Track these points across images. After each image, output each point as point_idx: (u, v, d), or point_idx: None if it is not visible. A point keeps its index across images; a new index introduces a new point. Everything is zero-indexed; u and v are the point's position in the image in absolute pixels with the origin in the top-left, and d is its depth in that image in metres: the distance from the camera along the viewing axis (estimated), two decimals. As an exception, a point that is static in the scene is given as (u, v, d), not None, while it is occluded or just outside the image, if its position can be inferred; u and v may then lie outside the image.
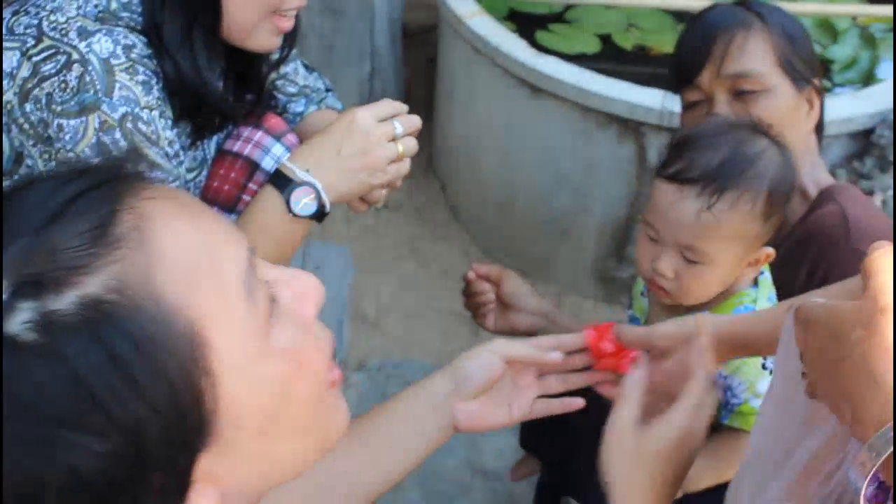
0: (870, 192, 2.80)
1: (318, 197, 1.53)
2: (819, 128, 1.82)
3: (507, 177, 3.20)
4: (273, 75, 1.88)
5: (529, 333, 2.04)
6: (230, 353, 0.74)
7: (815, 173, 1.78)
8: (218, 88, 1.60)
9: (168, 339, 0.69)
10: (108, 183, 0.73)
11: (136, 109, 1.43)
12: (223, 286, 0.75)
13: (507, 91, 3.03)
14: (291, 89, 1.95)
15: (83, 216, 0.69)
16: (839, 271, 1.56)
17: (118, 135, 1.42)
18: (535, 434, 2.05)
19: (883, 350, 0.77)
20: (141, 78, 1.45)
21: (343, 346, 2.89)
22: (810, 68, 1.74)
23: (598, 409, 1.69)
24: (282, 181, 1.54)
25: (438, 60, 3.52)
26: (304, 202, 1.52)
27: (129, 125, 1.42)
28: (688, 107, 1.78)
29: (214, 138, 1.79)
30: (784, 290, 1.62)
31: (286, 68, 1.94)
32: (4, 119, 1.44)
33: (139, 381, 0.67)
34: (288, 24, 1.59)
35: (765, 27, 1.71)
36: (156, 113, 1.46)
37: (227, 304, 0.75)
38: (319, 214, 1.56)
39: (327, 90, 2.03)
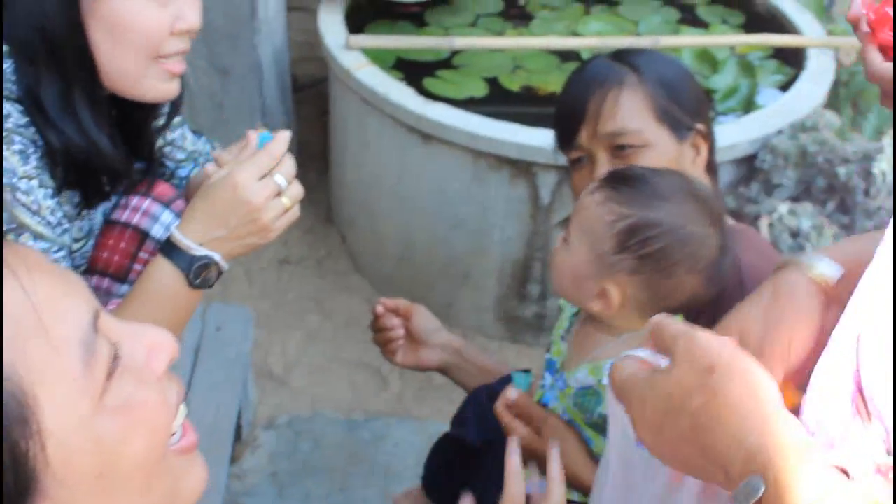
0: (757, 216, 2.87)
1: (218, 268, 1.54)
2: (712, 169, 1.80)
3: (404, 224, 3.21)
4: (160, 142, 1.87)
5: (439, 369, 2.03)
6: (61, 412, 0.74)
7: None
8: (109, 148, 1.57)
9: None
10: None
11: (14, 180, 1.41)
12: (57, 346, 0.75)
13: (399, 139, 3.05)
14: (180, 155, 1.94)
15: None
16: None
17: None
18: (441, 479, 2.03)
19: (730, 408, 0.78)
20: (17, 147, 1.43)
21: (250, 405, 2.86)
22: (693, 114, 1.73)
23: (501, 440, 1.72)
24: (175, 253, 1.52)
25: (330, 113, 3.53)
26: (203, 276, 1.52)
27: (7, 196, 1.40)
28: (573, 163, 1.77)
29: (101, 208, 1.77)
30: None
31: (173, 135, 1.93)
32: None
33: None
34: (178, 67, 1.60)
35: (640, 81, 1.70)
36: (35, 182, 1.44)
37: (60, 364, 0.75)
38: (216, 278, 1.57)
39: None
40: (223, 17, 3.31)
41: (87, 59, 1.52)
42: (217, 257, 1.52)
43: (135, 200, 1.82)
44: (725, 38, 3.58)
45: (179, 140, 1.94)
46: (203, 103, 3.48)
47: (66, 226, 1.54)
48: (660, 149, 1.68)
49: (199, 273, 1.52)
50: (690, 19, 3.77)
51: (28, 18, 1.47)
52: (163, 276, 1.52)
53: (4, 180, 1.41)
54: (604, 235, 1.51)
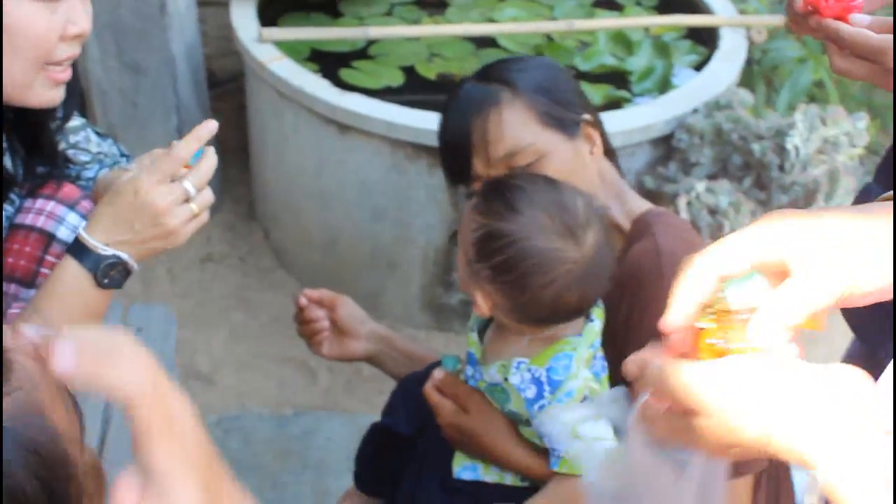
0: (675, 195, 2.90)
1: (126, 267, 1.51)
2: (610, 152, 1.78)
3: (326, 217, 3.19)
4: (63, 145, 1.83)
5: (367, 359, 2.02)
6: None
7: (625, 204, 1.73)
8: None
9: None
10: None
11: None
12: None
13: (316, 131, 3.03)
14: (84, 157, 1.90)
15: None
16: (655, 309, 1.53)
17: None
18: (374, 470, 2.02)
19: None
20: None
21: (177, 406, 2.82)
22: (576, 108, 1.71)
23: (433, 426, 1.72)
24: (82, 253, 1.50)
25: (248, 107, 3.50)
26: (111, 275, 1.50)
27: None
28: (473, 195, 1.70)
29: (3, 213, 1.73)
30: (612, 331, 1.61)
31: (76, 137, 1.89)
32: None
33: None
34: (63, 75, 1.55)
35: (514, 94, 1.66)
36: None
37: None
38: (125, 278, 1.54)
39: (123, 156, 1.98)
40: (132, 14, 3.26)
41: None
42: (125, 257, 1.50)
43: (39, 203, 1.78)
44: (639, 20, 3.61)
45: (83, 142, 1.90)
46: (116, 101, 3.42)
47: None
48: (556, 154, 1.65)
49: (106, 272, 1.49)
50: (605, 2, 3.79)
51: None
52: (70, 276, 1.50)
53: None
54: (468, 243, 1.53)
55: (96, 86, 3.36)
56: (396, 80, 3.29)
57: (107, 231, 1.50)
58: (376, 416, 2.75)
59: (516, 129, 1.65)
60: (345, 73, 3.26)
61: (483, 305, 1.54)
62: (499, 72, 1.72)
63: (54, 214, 1.77)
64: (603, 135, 1.76)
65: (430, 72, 3.34)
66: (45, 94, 1.56)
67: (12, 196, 1.77)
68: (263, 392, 3.03)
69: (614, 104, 3.20)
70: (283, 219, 3.41)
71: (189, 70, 3.47)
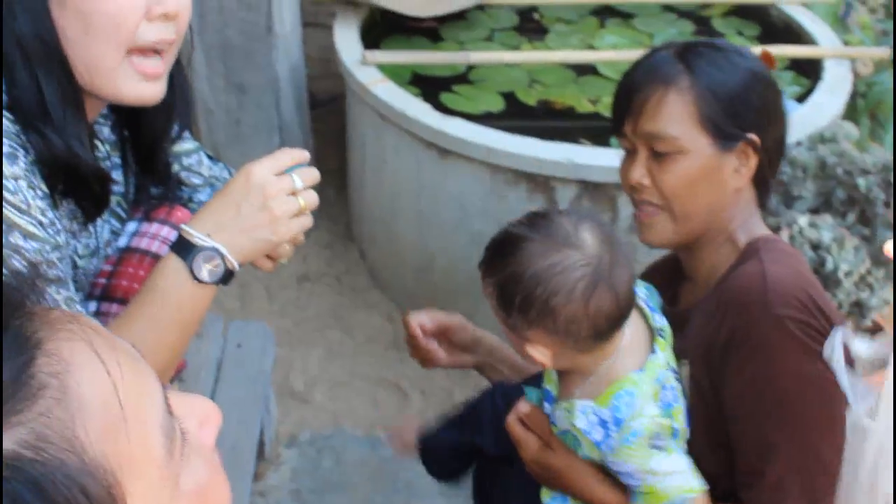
0: (777, 228, 2.86)
1: (223, 261, 1.48)
2: (763, 181, 1.72)
3: (423, 240, 3.21)
4: (176, 167, 1.86)
5: (473, 367, 2.05)
6: (145, 501, 0.70)
7: (748, 224, 1.71)
8: (83, 150, 1.51)
9: (86, 493, 0.65)
10: (17, 320, 0.69)
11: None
12: (144, 434, 0.71)
13: (417, 155, 3.06)
14: (196, 180, 1.92)
15: None
16: (757, 336, 1.55)
17: None
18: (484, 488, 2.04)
19: None
20: (5, 150, 1.39)
21: (272, 422, 2.86)
22: (745, 123, 1.66)
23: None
24: (184, 248, 1.48)
25: (347, 129, 3.54)
26: (207, 268, 1.47)
27: None
28: (626, 153, 1.74)
29: (107, 226, 1.75)
30: (707, 348, 1.61)
31: (189, 160, 1.91)
32: None
33: None
34: (153, 69, 1.50)
35: (691, 84, 1.64)
36: (23, 182, 1.40)
37: (146, 452, 0.71)
38: (226, 276, 1.51)
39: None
40: (239, 34, 3.33)
41: (56, 54, 1.45)
42: (223, 249, 1.47)
43: (153, 227, 1.80)
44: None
45: (196, 165, 1.93)
46: (220, 120, 3.50)
47: (60, 227, 1.49)
48: (694, 158, 1.64)
49: (201, 264, 1.47)
50: (706, 31, 3.77)
51: (3, 20, 1.42)
52: (169, 269, 1.49)
53: None
54: (497, 309, 1.55)
55: (202, 104, 3.44)
56: (497, 105, 3.30)
57: (210, 219, 1.49)
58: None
59: (671, 117, 1.64)
60: (445, 98, 3.29)
61: (541, 357, 1.54)
62: (695, 56, 1.69)
63: (168, 240, 1.78)
64: (768, 164, 1.69)
65: (530, 98, 3.35)
66: (138, 87, 1.50)
67: (120, 212, 1.80)
68: (357, 412, 3.06)
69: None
70: (379, 240, 3.44)
71: (292, 90, 3.54)
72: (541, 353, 1.53)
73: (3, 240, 1.38)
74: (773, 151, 1.71)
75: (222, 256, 1.48)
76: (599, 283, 1.48)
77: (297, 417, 3.01)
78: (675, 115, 1.64)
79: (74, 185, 1.53)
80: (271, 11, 3.29)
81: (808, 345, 1.53)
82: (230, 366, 2.67)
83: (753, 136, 1.66)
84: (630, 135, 1.69)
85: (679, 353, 1.66)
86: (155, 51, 1.49)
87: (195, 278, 1.48)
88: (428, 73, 3.44)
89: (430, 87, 3.35)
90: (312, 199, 1.54)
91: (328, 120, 4.06)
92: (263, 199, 1.48)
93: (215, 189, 1.94)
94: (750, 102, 1.67)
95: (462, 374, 3.15)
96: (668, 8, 3.89)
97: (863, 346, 1.52)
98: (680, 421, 1.60)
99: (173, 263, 1.48)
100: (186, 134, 1.90)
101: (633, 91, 1.69)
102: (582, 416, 1.55)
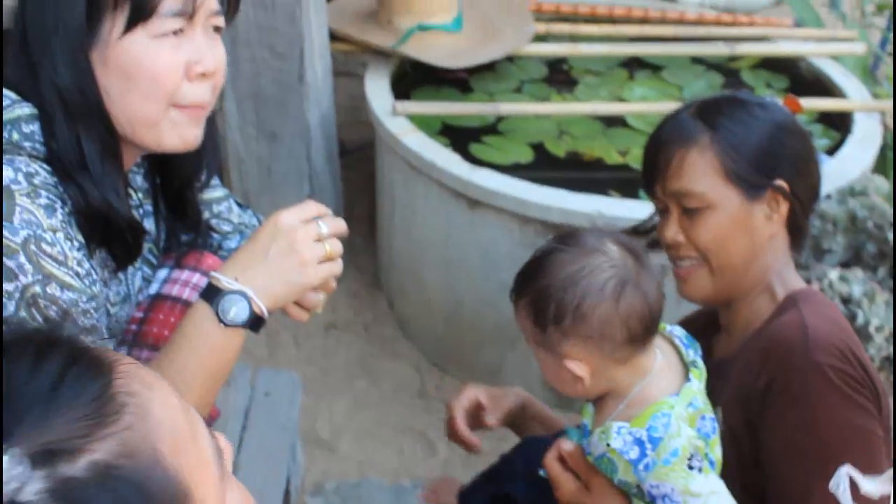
0: (807, 281, 2.85)
1: (250, 304, 1.49)
2: (796, 227, 1.74)
3: (451, 289, 3.22)
4: (207, 214, 1.88)
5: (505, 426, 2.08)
6: None
7: (784, 275, 1.73)
8: (118, 203, 1.53)
9: (174, 500, 0.72)
10: (83, 353, 0.74)
11: (39, 231, 1.40)
12: (203, 454, 0.77)
13: (446, 204, 3.07)
14: (226, 227, 1.94)
15: (81, 387, 0.70)
16: (798, 383, 1.56)
17: (22, 259, 1.38)
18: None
19: None
20: (43, 202, 1.42)
21: (298, 470, 2.85)
22: (770, 172, 1.68)
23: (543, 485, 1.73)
24: (211, 293, 1.50)
25: (377, 178, 3.56)
26: (233, 311, 1.48)
27: (32, 247, 1.39)
28: (660, 213, 1.78)
29: (138, 273, 1.77)
30: (745, 395, 1.63)
31: (220, 207, 1.94)
32: None
33: None
34: (192, 114, 1.54)
35: (711, 141, 1.68)
36: (60, 235, 1.42)
37: (206, 470, 0.77)
38: (255, 322, 1.52)
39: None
40: (272, 83, 3.37)
41: (97, 109, 1.48)
42: (250, 292, 1.49)
43: (184, 274, 1.81)
44: (770, 102, 3.58)
45: (226, 212, 1.95)
46: (252, 168, 3.53)
47: (96, 277, 1.52)
48: (724, 211, 1.67)
49: (227, 308, 1.48)
50: (735, 84, 3.78)
51: (42, 70, 1.45)
52: (196, 315, 1.50)
53: (28, 232, 1.39)
54: (532, 332, 1.58)
55: (234, 153, 3.47)
56: (526, 156, 3.32)
57: (239, 264, 1.51)
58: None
59: (696, 174, 1.68)
60: (475, 148, 3.31)
61: (580, 371, 1.55)
62: (715, 112, 1.72)
63: (199, 287, 1.80)
64: (799, 208, 1.71)
65: (559, 149, 3.37)
66: (181, 132, 1.54)
67: (152, 259, 1.82)
68: (383, 461, 3.05)
69: (745, 187, 3.17)
70: (407, 289, 3.45)
71: (323, 139, 3.57)
72: (579, 368, 1.55)
73: (42, 290, 1.40)
74: (804, 195, 1.72)
75: (249, 299, 1.49)
76: (627, 284, 1.51)
77: (323, 466, 3.01)
78: (700, 172, 1.68)
79: (109, 236, 1.55)
80: (303, 61, 3.33)
81: (847, 394, 1.54)
82: (258, 414, 2.68)
83: (781, 183, 1.68)
84: (660, 195, 1.73)
85: (714, 401, 1.65)
86: (193, 107, 1.53)
87: (222, 322, 1.49)
88: (457, 123, 3.47)
89: (459, 137, 3.37)
90: (337, 247, 1.56)
91: (357, 168, 4.08)
92: (291, 242, 1.51)
93: (244, 236, 1.96)
94: (773, 151, 1.69)
95: (489, 424, 3.15)
96: (697, 60, 3.90)
97: (870, 485, 1.54)
98: (716, 453, 1.60)
99: (201, 309, 1.50)
100: (216, 182, 1.92)
101: (657, 153, 1.73)
102: (617, 436, 1.55)
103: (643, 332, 1.55)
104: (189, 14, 1.46)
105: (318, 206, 1.58)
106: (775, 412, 1.58)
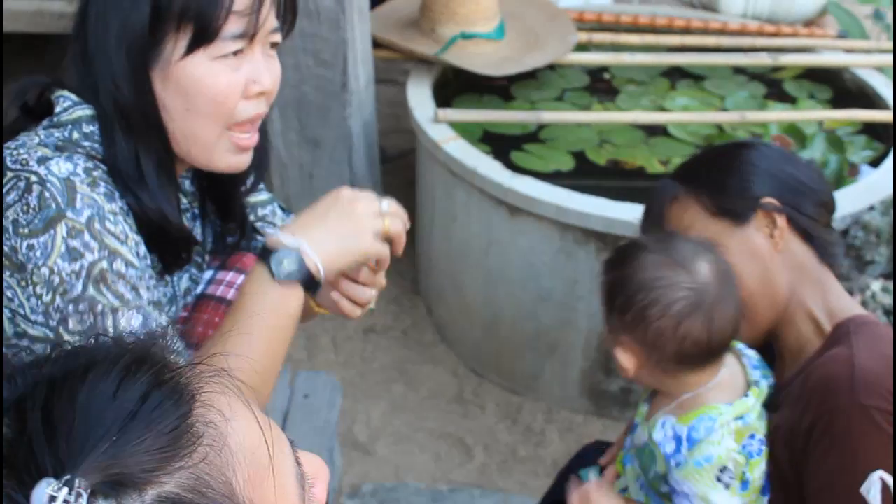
0: (849, 293, 2.84)
1: (303, 257, 1.49)
2: (813, 240, 1.71)
3: (490, 296, 3.23)
4: (252, 217, 1.91)
5: None
6: None
7: (827, 299, 1.69)
8: (174, 215, 1.57)
9: None
10: (169, 374, 0.73)
11: (102, 211, 1.42)
12: (284, 483, 0.75)
13: (486, 212, 3.09)
14: (270, 231, 1.97)
15: (159, 416, 0.69)
16: (841, 425, 1.51)
17: (87, 237, 1.40)
18: None
19: None
20: (102, 190, 1.44)
21: (336, 472, 2.87)
22: (749, 194, 1.70)
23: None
24: (266, 251, 1.51)
25: (417, 184, 3.58)
26: (285, 263, 1.48)
27: (97, 226, 1.41)
28: None
29: (185, 275, 1.80)
30: (790, 432, 1.60)
31: (264, 211, 1.96)
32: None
33: None
34: (249, 141, 1.57)
35: (685, 191, 1.75)
36: (120, 217, 1.45)
37: (286, 500, 0.75)
38: (311, 282, 1.52)
39: None
40: (315, 90, 3.40)
41: (155, 125, 1.51)
42: (304, 245, 1.49)
43: (229, 276, 1.83)
44: (813, 114, 3.57)
45: (270, 216, 1.97)
46: (294, 174, 3.56)
47: (149, 263, 1.55)
48: (727, 242, 1.69)
49: (280, 260, 1.48)
50: (777, 94, 3.77)
51: (102, 83, 1.48)
52: (252, 275, 1.52)
53: (91, 212, 1.42)
54: (603, 304, 1.67)
55: (276, 158, 3.50)
56: (566, 164, 3.32)
57: (297, 223, 1.52)
58: (530, 499, 2.76)
59: (684, 224, 1.74)
60: (516, 156, 3.32)
61: (626, 362, 1.62)
62: (687, 166, 1.84)
63: None
64: (801, 219, 1.70)
65: (600, 157, 3.37)
66: (232, 158, 1.57)
67: (199, 260, 1.85)
68: (419, 465, 3.07)
69: (786, 197, 3.16)
70: (446, 295, 3.46)
71: (364, 146, 3.59)
72: (626, 360, 1.62)
73: (108, 266, 1.43)
74: (802, 205, 1.71)
75: (301, 253, 1.49)
76: (697, 311, 1.55)
77: (361, 469, 3.03)
78: (687, 221, 1.74)
79: (161, 243, 1.58)
80: (346, 69, 3.36)
81: (893, 436, 1.49)
82: (297, 416, 2.70)
83: (767, 200, 1.70)
84: None
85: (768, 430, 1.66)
86: (249, 121, 1.56)
87: (276, 278, 1.49)
88: (499, 131, 3.47)
89: (500, 145, 3.38)
90: (397, 226, 1.57)
91: (397, 174, 4.11)
92: (351, 209, 1.53)
93: None
94: (745, 173, 1.73)
95: (525, 430, 3.15)
96: (739, 70, 3.89)
97: None
98: (755, 475, 1.60)
99: (257, 268, 1.52)
100: (261, 185, 1.95)
101: (651, 220, 1.83)
102: (660, 428, 1.61)
103: (697, 356, 1.58)
104: (250, 35, 1.48)
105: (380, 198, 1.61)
106: (818, 454, 1.54)
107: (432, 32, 3.55)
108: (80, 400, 0.68)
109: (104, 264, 1.42)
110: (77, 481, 0.63)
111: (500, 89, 3.68)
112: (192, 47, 1.46)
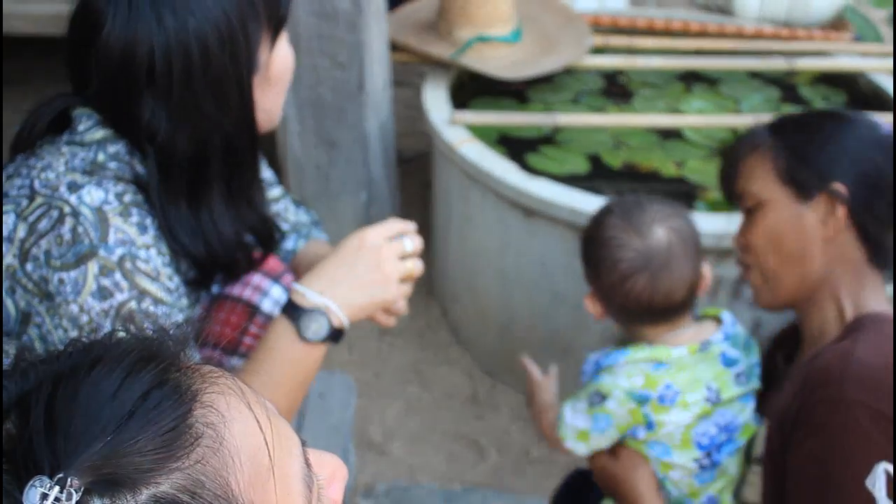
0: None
1: (330, 319, 1.55)
2: (870, 239, 1.68)
3: (505, 298, 3.25)
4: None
5: None
6: None
7: (860, 294, 1.67)
8: (223, 250, 1.61)
9: None
10: (173, 373, 0.73)
11: (133, 249, 1.45)
12: (287, 485, 0.75)
13: (502, 214, 3.10)
14: (284, 226, 1.98)
15: (157, 416, 0.68)
16: (822, 415, 1.50)
17: (118, 276, 1.43)
18: None
19: None
20: (135, 220, 1.47)
21: (350, 472, 2.89)
22: (825, 175, 1.66)
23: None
24: (293, 308, 1.55)
25: (433, 186, 3.60)
26: (314, 327, 1.54)
27: (128, 265, 1.44)
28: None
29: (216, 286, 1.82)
30: (784, 413, 1.60)
31: (277, 206, 1.97)
32: (7, 282, 1.46)
33: None
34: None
35: (770, 144, 1.72)
36: (153, 251, 1.48)
37: (289, 502, 0.75)
38: (335, 334, 1.57)
39: (313, 223, 2.06)
40: (332, 92, 3.42)
41: (252, 136, 1.59)
42: (332, 305, 1.54)
43: (245, 275, 1.87)
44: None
45: (283, 212, 1.99)
46: (310, 174, 3.58)
47: (184, 291, 1.58)
48: (777, 209, 1.70)
49: (308, 324, 1.53)
50: (792, 98, 3.78)
51: (205, 123, 1.50)
52: (278, 330, 1.56)
53: (124, 251, 1.44)
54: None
55: (293, 159, 3.52)
56: (582, 167, 3.34)
57: (324, 278, 1.56)
58: (543, 500, 2.77)
59: (752, 175, 1.75)
60: (531, 158, 3.33)
61: (592, 308, 1.84)
62: (785, 121, 1.80)
63: (260, 288, 1.85)
64: (864, 217, 1.67)
65: (615, 160, 3.38)
66: (275, 116, 1.68)
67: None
68: (433, 466, 3.08)
69: (801, 201, 3.17)
70: (461, 297, 3.48)
71: (381, 147, 3.61)
72: (591, 306, 1.84)
73: (137, 306, 1.46)
74: (873, 204, 1.66)
75: (329, 315, 1.54)
76: (641, 272, 1.72)
77: (375, 468, 3.05)
78: (756, 173, 1.74)
79: (198, 271, 1.63)
80: (363, 70, 3.38)
81: (874, 437, 1.45)
82: (312, 415, 2.72)
83: (837, 187, 1.65)
84: (735, 200, 1.82)
85: (766, 412, 1.71)
86: None
87: (303, 338, 1.55)
88: (514, 133, 3.49)
89: (516, 147, 3.40)
90: (419, 266, 1.65)
91: (413, 176, 4.13)
92: (377, 258, 1.57)
93: (301, 235, 2.01)
94: (832, 154, 1.67)
95: (539, 432, 3.16)
96: (755, 74, 3.90)
97: None
98: (665, 419, 1.74)
99: (283, 325, 1.55)
100: (273, 180, 1.97)
101: (726, 161, 1.84)
102: (598, 353, 1.85)
103: (641, 313, 1.77)
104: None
105: (401, 225, 1.65)
106: (796, 439, 1.55)
107: (449, 35, 3.57)
108: (81, 397, 0.68)
109: (132, 304, 1.45)
110: (70, 480, 0.63)
111: (515, 92, 3.70)
112: (276, 34, 1.55)
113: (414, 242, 1.65)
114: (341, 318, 1.56)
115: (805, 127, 1.74)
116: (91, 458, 0.64)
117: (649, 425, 1.76)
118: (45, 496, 0.62)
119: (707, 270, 1.79)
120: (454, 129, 3.25)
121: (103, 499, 0.64)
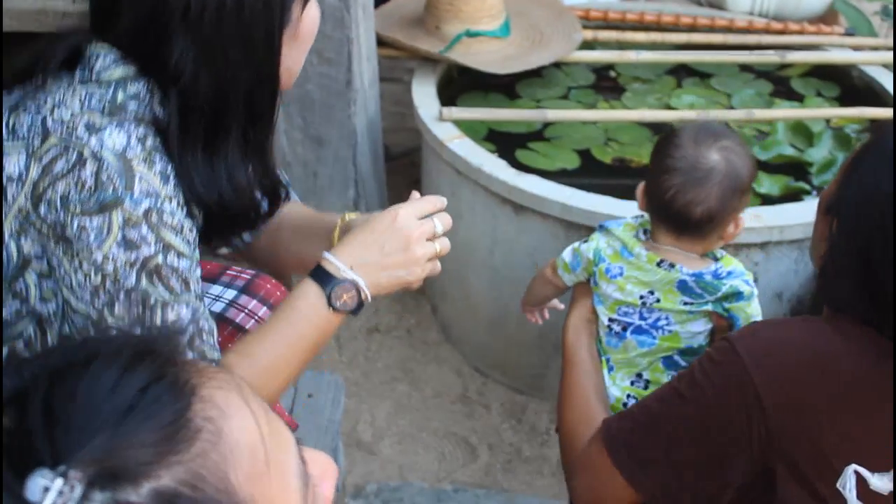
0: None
1: (359, 293, 1.56)
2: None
3: (495, 294, 3.21)
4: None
5: None
6: None
7: None
8: (236, 198, 1.58)
9: None
10: (171, 369, 0.73)
11: (159, 203, 1.41)
12: (284, 480, 0.75)
13: (492, 210, 3.07)
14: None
15: (157, 410, 0.69)
16: (708, 354, 1.52)
17: (145, 229, 1.40)
18: None
19: None
20: (158, 168, 1.43)
21: (340, 472, 2.86)
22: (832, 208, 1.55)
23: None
24: (323, 275, 1.56)
25: (422, 183, 3.57)
26: (345, 297, 1.55)
27: (154, 219, 1.41)
28: None
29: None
30: None
31: None
32: (18, 224, 1.41)
33: None
34: None
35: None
36: (175, 203, 1.45)
37: (286, 498, 0.75)
38: (357, 308, 1.58)
39: (287, 183, 2.03)
40: (319, 89, 3.38)
41: (273, 92, 1.59)
42: (361, 283, 1.55)
43: (252, 304, 1.92)
44: (820, 111, 3.54)
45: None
46: (297, 172, 3.55)
47: (196, 243, 1.55)
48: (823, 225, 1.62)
49: (339, 295, 1.54)
50: (784, 92, 3.75)
51: (229, 73, 1.49)
52: (309, 295, 1.55)
53: (150, 203, 1.41)
54: None
55: (280, 157, 3.49)
56: (572, 162, 3.31)
57: (355, 252, 1.57)
58: (535, 499, 2.75)
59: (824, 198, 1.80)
60: (521, 154, 3.30)
61: (639, 198, 2.01)
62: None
63: (254, 314, 1.88)
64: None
65: (605, 156, 3.35)
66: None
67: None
68: (423, 465, 3.05)
69: (793, 196, 3.15)
70: (451, 294, 3.44)
71: (369, 144, 3.58)
72: (639, 197, 2.01)
73: (163, 260, 1.44)
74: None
75: (359, 289, 1.56)
76: (677, 174, 1.88)
77: (364, 468, 3.01)
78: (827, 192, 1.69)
79: (215, 218, 1.60)
80: (351, 67, 3.34)
81: (689, 393, 1.48)
82: (301, 415, 2.68)
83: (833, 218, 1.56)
84: None
85: None
86: None
87: (331, 307, 1.55)
88: (504, 129, 3.46)
89: (505, 143, 3.37)
90: (447, 245, 1.68)
91: (402, 172, 4.09)
92: (407, 241, 1.58)
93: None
94: (846, 180, 1.50)
95: (531, 430, 3.14)
96: (746, 68, 3.87)
97: (880, 482, 1.42)
98: (605, 292, 2.04)
99: (314, 290, 1.56)
100: None
101: None
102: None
103: (661, 212, 1.94)
104: None
105: (434, 202, 1.67)
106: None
107: (437, 30, 3.54)
108: (80, 391, 0.68)
109: (159, 259, 1.43)
110: (72, 473, 0.63)
111: (505, 87, 3.67)
112: None
113: (444, 222, 1.65)
114: (367, 295, 1.57)
115: (853, 159, 1.53)
116: (92, 451, 0.64)
117: (593, 281, 2.07)
118: (47, 489, 0.62)
119: (741, 221, 1.94)
120: (443, 126, 3.22)
121: (105, 492, 0.64)
